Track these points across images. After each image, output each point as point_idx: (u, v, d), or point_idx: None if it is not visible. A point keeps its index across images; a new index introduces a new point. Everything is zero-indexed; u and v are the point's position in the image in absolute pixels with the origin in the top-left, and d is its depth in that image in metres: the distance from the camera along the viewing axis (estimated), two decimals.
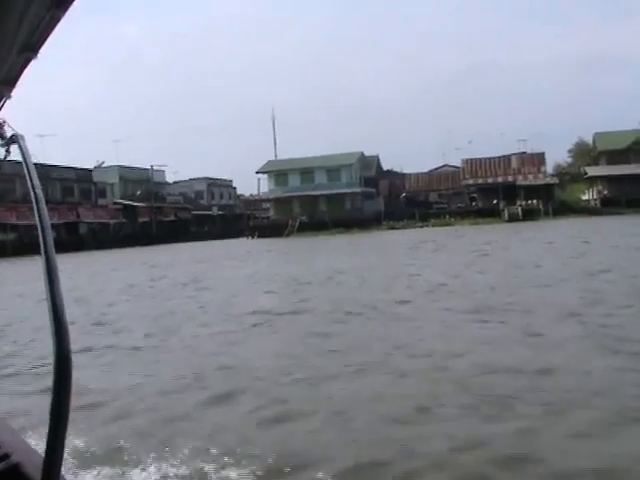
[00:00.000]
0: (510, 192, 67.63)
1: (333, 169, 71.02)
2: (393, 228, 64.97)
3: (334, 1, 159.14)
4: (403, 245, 32.51)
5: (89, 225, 67.52)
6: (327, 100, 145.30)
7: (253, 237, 68.88)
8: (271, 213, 74.20)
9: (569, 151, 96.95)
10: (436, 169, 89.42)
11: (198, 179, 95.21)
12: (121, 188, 75.52)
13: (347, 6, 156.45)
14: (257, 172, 73.05)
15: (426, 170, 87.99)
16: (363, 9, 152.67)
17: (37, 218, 1.31)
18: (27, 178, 1.37)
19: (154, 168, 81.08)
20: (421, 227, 64.67)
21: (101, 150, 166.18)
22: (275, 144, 76.87)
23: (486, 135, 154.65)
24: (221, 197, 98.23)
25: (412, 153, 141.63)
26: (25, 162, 1.41)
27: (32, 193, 1.34)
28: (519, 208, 63.53)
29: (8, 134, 1.50)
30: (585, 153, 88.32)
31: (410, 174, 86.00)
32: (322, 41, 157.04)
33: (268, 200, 73.81)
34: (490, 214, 65.42)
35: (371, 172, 76.97)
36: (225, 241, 66.59)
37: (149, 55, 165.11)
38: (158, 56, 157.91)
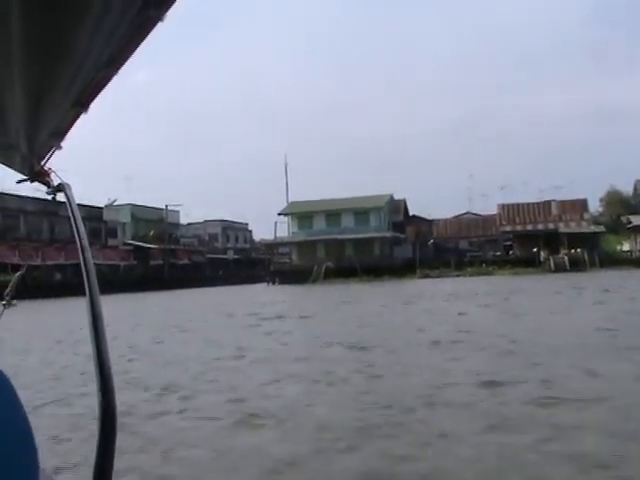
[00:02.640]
0: (551, 240, 62.54)
1: (362, 212, 66.23)
2: (427, 276, 59.91)
3: (341, 52, 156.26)
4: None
5: (97, 267, 62.51)
6: (338, 147, 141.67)
7: (274, 283, 63.83)
8: (293, 257, 69.14)
9: (600, 200, 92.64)
10: (457, 216, 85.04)
11: (213, 221, 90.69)
12: (133, 228, 70.81)
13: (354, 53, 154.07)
14: (279, 214, 68.39)
15: (448, 217, 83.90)
16: (373, 56, 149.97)
17: (83, 268, 1.46)
18: (73, 227, 1.52)
19: (168, 208, 76.60)
20: (457, 276, 59.65)
21: (113, 188, 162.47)
22: (287, 189, 72.18)
23: (507, 182, 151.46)
24: (236, 240, 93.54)
25: (430, 198, 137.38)
26: (71, 211, 1.55)
27: (78, 243, 1.48)
28: (565, 257, 58.27)
29: (55, 182, 1.67)
30: (617, 201, 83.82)
31: (438, 220, 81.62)
32: (333, 89, 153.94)
33: (291, 243, 68.83)
34: (530, 263, 60.28)
35: (399, 216, 72.30)
36: (244, 287, 61.58)
37: (163, 97, 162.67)
38: (172, 98, 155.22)
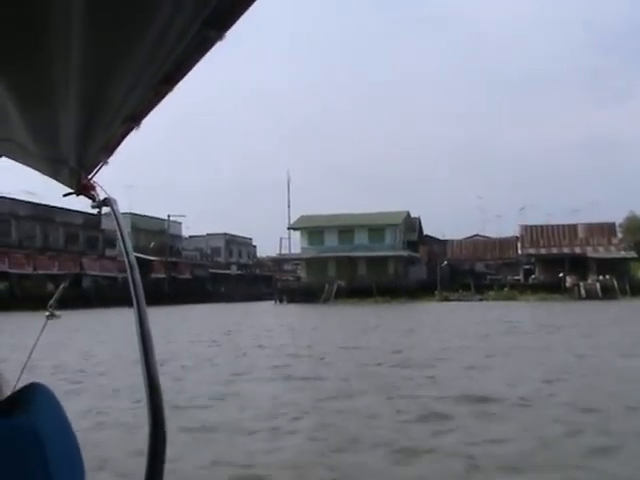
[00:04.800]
0: (578, 265, 58.48)
1: (376, 229, 62.26)
2: (447, 299, 55.95)
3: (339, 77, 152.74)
4: None
5: (93, 278, 58.49)
6: (340, 164, 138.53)
7: (282, 302, 59.72)
8: (302, 275, 65.06)
9: (619, 226, 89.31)
10: (468, 238, 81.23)
11: (216, 235, 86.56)
12: (133, 238, 66.06)
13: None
14: (289, 228, 64.38)
15: (456, 238, 79.97)
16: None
17: (131, 284, 1.48)
18: (120, 243, 1.56)
19: (170, 219, 72.57)
20: (480, 300, 55.71)
21: (112, 196, 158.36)
22: (289, 206, 68.05)
23: (511, 206, 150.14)
24: (240, 255, 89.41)
25: (435, 220, 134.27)
26: (118, 226, 1.59)
27: (125, 259, 1.52)
28: (597, 284, 54.24)
29: (100, 197, 1.70)
30: (637, 228, 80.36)
31: (452, 240, 77.84)
32: (334, 106, 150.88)
33: (300, 259, 64.79)
34: (554, 289, 56.24)
35: (413, 235, 68.31)
36: (250, 305, 57.41)
37: (164, 107, 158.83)
38: (173, 108, 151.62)
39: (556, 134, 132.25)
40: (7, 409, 1.00)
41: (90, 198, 1.71)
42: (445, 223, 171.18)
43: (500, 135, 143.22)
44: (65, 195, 1.79)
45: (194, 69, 1.11)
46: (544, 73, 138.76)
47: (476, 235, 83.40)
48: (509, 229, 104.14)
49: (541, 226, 64.90)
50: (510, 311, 35.10)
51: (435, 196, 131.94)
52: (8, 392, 1.13)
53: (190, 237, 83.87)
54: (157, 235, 69.94)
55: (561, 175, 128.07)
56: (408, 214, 65.82)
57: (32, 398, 1.07)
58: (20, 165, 1.71)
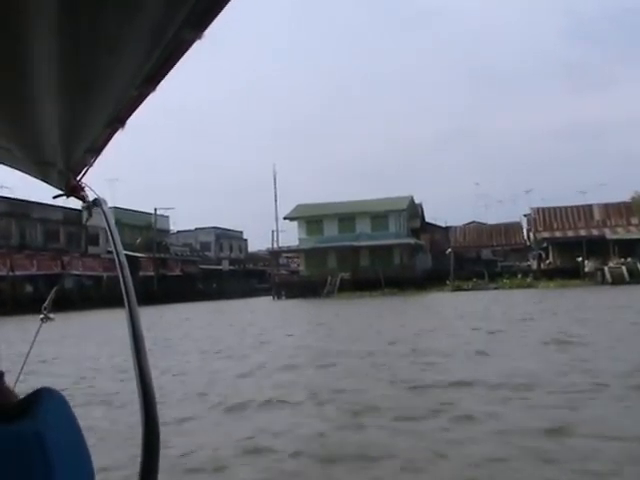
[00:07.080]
0: (597, 248, 54.45)
1: (379, 216, 57.99)
2: (460, 289, 51.87)
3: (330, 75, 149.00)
4: None
5: (76, 278, 53.77)
6: (328, 158, 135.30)
7: (280, 297, 55.52)
8: (301, 267, 60.79)
9: None
10: (465, 225, 77.41)
11: (205, 229, 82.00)
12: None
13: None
14: (285, 218, 59.99)
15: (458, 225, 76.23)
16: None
17: (122, 285, 1.51)
18: (110, 243, 1.59)
19: (158, 212, 67.89)
20: (495, 289, 51.70)
21: (94, 190, 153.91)
22: (276, 200, 63.61)
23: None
24: (230, 250, 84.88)
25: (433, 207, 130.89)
26: (108, 226, 1.62)
27: (116, 259, 1.55)
28: (623, 268, 50.27)
29: (90, 197, 1.73)
30: None
31: (455, 227, 73.87)
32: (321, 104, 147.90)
33: (298, 251, 60.49)
34: (572, 274, 52.28)
35: (416, 222, 64.20)
36: (248, 301, 53.11)
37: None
38: (157, 101, 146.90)
39: (547, 122, 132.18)
40: (13, 415, 0.97)
41: (80, 199, 1.70)
42: (441, 211, 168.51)
43: (492, 125, 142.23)
44: (55, 197, 1.78)
45: (177, 68, 1.10)
46: (531, 64, 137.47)
47: (473, 222, 79.87)
48: (505, 215, 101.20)
49: (554, 208, 60.95)
50: (568, 301, 30.97)
51: (430, 185, 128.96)
52: (14, 398, 1.12)
53: (178, 232, 79.33)
54: (143, 230, 65.26)
55: (554, 161, 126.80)
56: (412, 199, 61.66)
57: (40, 404, 1.03)
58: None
